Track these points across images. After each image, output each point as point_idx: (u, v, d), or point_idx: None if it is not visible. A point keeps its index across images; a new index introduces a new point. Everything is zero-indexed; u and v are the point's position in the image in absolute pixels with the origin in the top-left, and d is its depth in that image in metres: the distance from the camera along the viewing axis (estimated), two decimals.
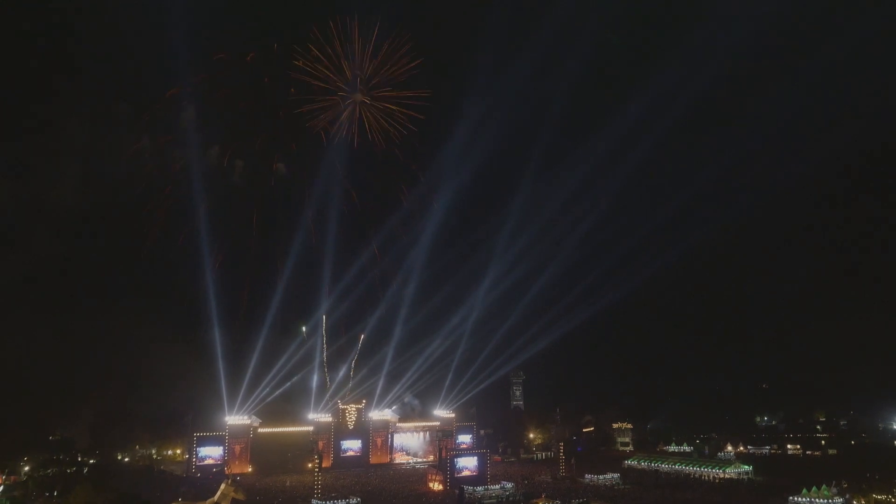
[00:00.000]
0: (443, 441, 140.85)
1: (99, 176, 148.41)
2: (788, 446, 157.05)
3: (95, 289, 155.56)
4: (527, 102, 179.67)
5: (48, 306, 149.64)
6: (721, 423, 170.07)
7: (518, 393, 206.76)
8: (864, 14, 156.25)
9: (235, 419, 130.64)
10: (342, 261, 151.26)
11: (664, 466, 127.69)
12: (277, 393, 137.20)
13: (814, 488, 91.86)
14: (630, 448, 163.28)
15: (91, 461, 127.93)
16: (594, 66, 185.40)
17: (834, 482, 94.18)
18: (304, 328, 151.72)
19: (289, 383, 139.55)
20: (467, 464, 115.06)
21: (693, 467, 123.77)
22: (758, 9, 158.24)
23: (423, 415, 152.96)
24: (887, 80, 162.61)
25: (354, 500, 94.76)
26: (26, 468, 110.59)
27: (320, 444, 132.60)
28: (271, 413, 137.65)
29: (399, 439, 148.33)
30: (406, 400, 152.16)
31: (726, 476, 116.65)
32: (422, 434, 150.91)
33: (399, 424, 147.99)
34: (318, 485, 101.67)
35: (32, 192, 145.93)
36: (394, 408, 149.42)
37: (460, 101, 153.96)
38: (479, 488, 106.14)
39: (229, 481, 68.74)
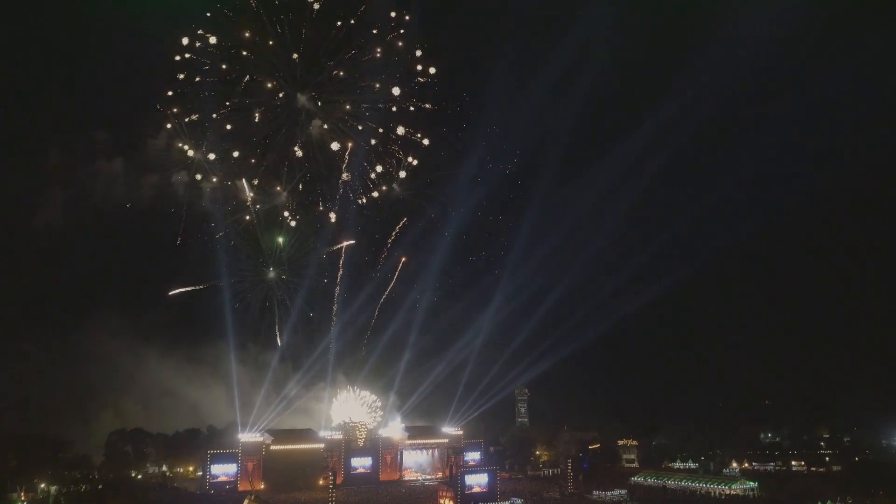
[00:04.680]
0: (452, 458, 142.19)
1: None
2: (793, 463, 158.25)
3: (103, 306, 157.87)
4: (535, 125, 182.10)
5: (52, 323, 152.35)
6: (725, 440, 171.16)
7: (523, 410, 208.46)
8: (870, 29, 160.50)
9: (248, 437, 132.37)
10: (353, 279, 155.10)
11: (671, 483, 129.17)
12: (289, 411, 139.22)
13: None
14: (636, 465, 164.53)
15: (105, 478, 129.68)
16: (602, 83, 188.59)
17: (838, 498, 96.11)
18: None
19: (300, 400, 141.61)
20: (478, 480, 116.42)
21: (699, 484, 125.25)
22: (763, 33, 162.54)
23: (425, 434, 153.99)
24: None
25: None
26: (42, 485, 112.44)
27: (332, 461, 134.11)
28: (283, 430, 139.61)
29: (408, 456, 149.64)
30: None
31: (732, 492, 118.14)
32: (431, 451, 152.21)
33: (408, 441, 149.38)
34: (332, 501, 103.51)
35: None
36: (403, 426, 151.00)
37: (471, 121, 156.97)
38: None
39: (252, 497, 71.02)
